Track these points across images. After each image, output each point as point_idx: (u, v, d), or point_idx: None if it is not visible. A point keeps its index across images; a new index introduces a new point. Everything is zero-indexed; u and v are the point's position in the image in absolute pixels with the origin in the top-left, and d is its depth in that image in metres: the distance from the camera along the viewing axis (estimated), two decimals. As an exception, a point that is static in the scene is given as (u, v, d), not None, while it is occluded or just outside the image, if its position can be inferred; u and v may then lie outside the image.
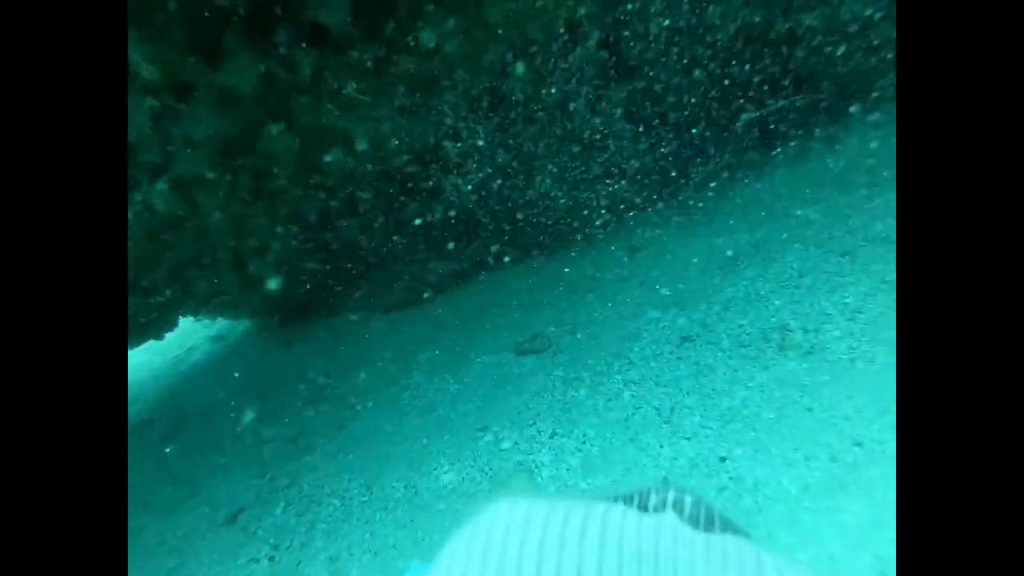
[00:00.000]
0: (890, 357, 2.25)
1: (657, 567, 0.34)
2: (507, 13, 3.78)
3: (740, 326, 3.02)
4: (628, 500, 0.40)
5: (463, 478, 2.53)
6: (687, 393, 2.58)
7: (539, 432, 2.64)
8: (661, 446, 2.30)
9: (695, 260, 3.98)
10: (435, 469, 2.68)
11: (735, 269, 3.64)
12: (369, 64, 3.50)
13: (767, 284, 3.31)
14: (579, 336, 3.55)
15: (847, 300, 2.79)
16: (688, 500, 0.40)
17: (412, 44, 3.57)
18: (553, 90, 4.21)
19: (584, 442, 2.47)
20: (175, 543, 2.87)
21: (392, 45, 3.51)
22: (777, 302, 3.09)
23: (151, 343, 5.02)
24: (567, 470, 2.33)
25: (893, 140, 4.19)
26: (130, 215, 3.32)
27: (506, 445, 2.63)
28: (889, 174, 3.82)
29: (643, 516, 0.37)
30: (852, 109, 4.49)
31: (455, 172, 4.45)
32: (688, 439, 2.29)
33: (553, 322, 3.84)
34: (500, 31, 3.80)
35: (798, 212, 3.90)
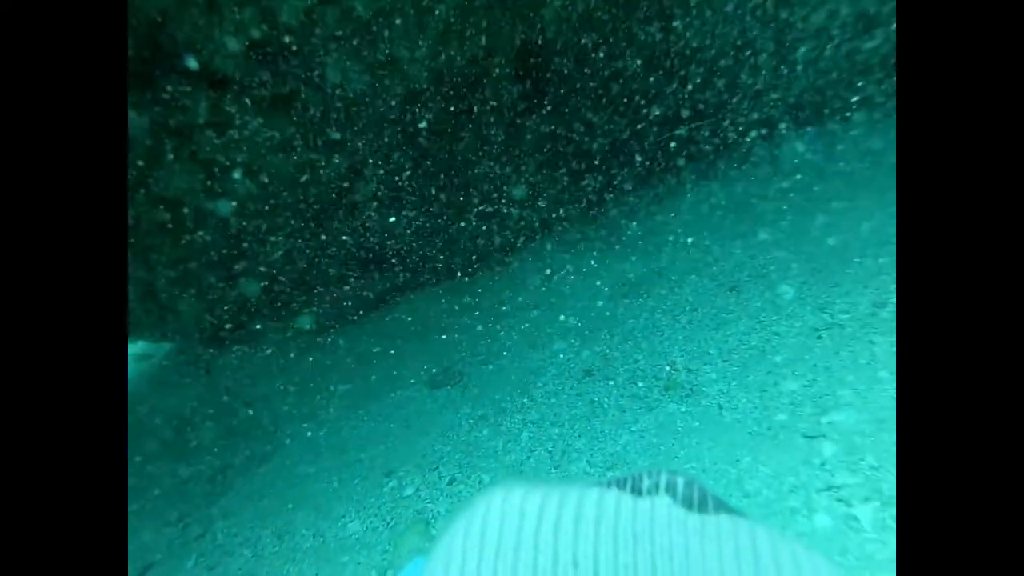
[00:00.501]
0: (753, 403, 2.50)
1: (653, 549, 0.35)
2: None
3: (636, 361, 3.23)
4: (621, 484, 0.41)
5: (366, 528, 2.64)
6: (579, 435, 2.77)
7: (440, 478, 2.78)
8: (549, 493, 2.48)
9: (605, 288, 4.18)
10: (343, 517, 2.77)
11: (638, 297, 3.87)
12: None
13: (664, 316, 3.55)
14: (490, 368, 3.70)
15: (726, 339, 3.04)
16: (680, 482, 0.41)
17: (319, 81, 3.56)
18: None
19: (479, 488, 2.62)
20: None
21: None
22: (672, 335, 3.32)
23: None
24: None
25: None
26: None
27: (408, 492, 2.75)
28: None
29: (637, 499, 0.38)
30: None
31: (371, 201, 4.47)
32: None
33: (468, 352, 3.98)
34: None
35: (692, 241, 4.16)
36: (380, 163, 4.32)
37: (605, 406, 2.95)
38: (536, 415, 3.07)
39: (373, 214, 4.52)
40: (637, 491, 0.39)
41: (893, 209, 3.45)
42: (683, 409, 2.66)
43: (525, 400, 3.23)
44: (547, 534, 0.35)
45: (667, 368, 2.98)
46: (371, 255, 4.61)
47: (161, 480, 3.72)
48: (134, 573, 2.92)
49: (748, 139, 5.01)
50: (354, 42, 3.43)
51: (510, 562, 0.34)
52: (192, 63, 2.73)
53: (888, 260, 3.01)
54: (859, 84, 4.45)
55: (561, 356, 3.58)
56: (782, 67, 4.72)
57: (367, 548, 2.53)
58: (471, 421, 3.17)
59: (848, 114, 4.66)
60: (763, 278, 3.43)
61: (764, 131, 4.97)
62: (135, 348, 6.25)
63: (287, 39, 2.99)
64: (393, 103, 4.04)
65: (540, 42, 4.32)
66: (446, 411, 3.35)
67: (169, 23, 2.48)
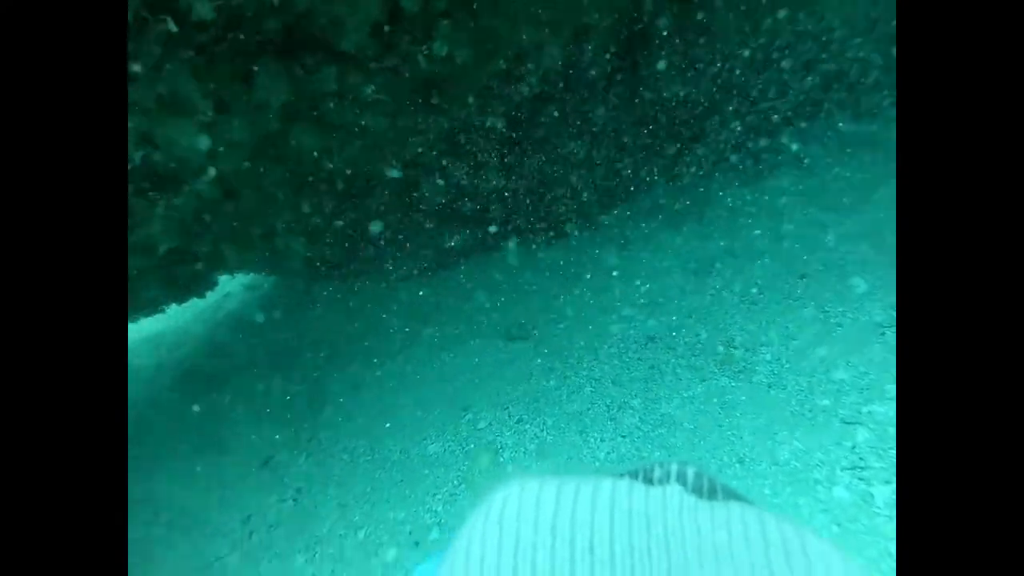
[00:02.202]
0: (801, 384, 2.70)
1: (666, 532, 0.36)
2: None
3: (697, 335, 3.46)
4: (634, 475, 0.42)
5: (444, 449, 3.13)
6: (635, 396, 3.09)
7: (509, 416, 3.20)
8: (602, 440, 2.84)
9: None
10: (424, 439, 3.28)
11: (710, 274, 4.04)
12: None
13: (731, 296, 3.72)
14: (561, 327, 4.04)
15: (788, 325, 3.20)
16: (691, 471, 0.42)
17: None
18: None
19: (543, 430, 3.02)
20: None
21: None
22: (736, 315, 3.51)
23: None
24: (524, 453, 2.89)
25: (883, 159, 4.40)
26: (179, 200, 3.85)
27: (482, 425, 3.20)
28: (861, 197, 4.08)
29: (649, 488, 0.39)
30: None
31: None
32: (624, 437, 2.81)
33: (543, 310, 4.33)
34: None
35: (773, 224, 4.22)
36: (476, 129, 4.65)
37: (663, 371, 3.23)
38: (599, 372, 3.40)
39: (465, 177, 4.90)
40: (649, 480, 0.41)
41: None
42: (734, 384, 2.90)
43: (590, 358, 3.56)
44: (564, 522, 0.37)
45: (722, 347, 3.20)
46: (463, 213, 5.02)
47: (271, 393, 4.42)
48: (258, 462, 3.61)
49: (841, 128, 4.89)
50: (459, 17, 3.72)
51: (529, 550, 0.35)
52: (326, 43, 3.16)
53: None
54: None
55: (629, 322, 3.85)
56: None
57: (444, 466, 3.01)
58: (540, 372, 3.55)
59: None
60: (837, 268, 3.51)
61: (861, 122, 4.83)
62: (246, 279, 7.12)
63: (403, 21, 3.32)
64: (495, 77, 4.33)
65: (640, 23, 4.41)
66: (518, 361, 3.75)
67: (314, 15, 2.90)
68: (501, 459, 2.90)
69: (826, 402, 2.51)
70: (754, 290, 3.67)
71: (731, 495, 0.40)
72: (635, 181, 5.11)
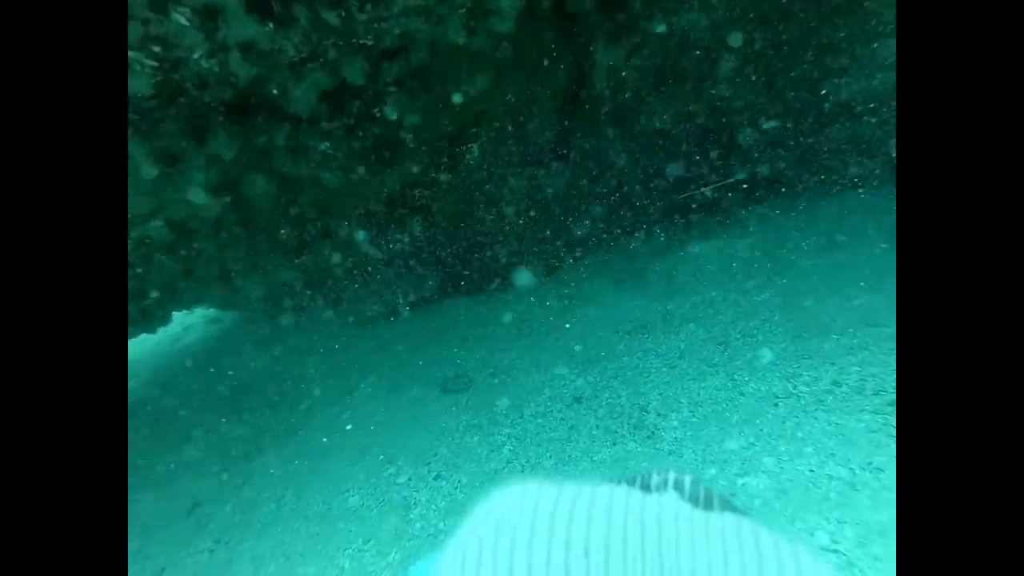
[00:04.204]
0: (696, 452, 2.84)
1: (660, 540, 0.36)
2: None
3: (618, 397, 3.61)
4: (631, 482, 0.42)
5: (362, 503, 3.20)
6: (549, 456, 3.20)
7: (429, 472, 3.30)
8: (511, 501, 2.95)
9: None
10: (346, 491, 3.35)
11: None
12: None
13: (656, 359, 3.89)
14: (496, 381, 4.17)
15: (700, 391, 3.36)
16: (688, 480, 0.42)
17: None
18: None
19: (456, 488, 3.12)
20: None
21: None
22: (657, 379, 3.67)
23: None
24: (434, 510, 2.98)
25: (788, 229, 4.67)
26: (131, 244, 3.97)
27: (401, 480, 3.29)
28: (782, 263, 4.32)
29: (646, 495, 0.39)
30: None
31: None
32: (530, 499, 2.92)
33: (483, 364, 4.46)
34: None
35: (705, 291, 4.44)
36: (427, 184, 4.87)
37: (580, 433, 3.35)
38: (521, 431, 3.52)
39: (418, 229, 5.09)
40: (646, 488, 0.41)
41: (883, 292, 3.62)
42: (639, 449, 3.04)
43: (516, 416, 3.68)
44: (561, 526, 0.37)
45: (637, 411, 3.35)
46: (411, 263, 5.19)
47: (210, 434, 4.46)
48: (184, 509, 3.64)
49: (785, 195, 5.18)
50: (411, 86, 3.96)
51: (525, 551, 0.35)
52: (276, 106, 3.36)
53: (860, 341, 3.22)
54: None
55: (559, 381, 4.00)
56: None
57: (359, 520, 3.08)
58: (466, 428, 3.66)
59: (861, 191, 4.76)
60: (751, 337, 3.70)
61: (787, 188, 5.12)
62: (208, 313, 7.17)
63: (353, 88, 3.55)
64: (443, 137, 4.57)
65: (585, 91, 4.70)
66: (448, 415, 3.86)
67: (265, 82, 3.11)
68: (410, 516, 2.98)
69: (712, 471, 2.65)
70: (676, 355, 3.84)
71: (727, 506, 0.41)
72: (584, 241, 5.34)
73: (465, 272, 5.27)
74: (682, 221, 5.20)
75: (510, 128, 4.65)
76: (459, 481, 3.17)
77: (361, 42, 3.08)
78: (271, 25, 2.59)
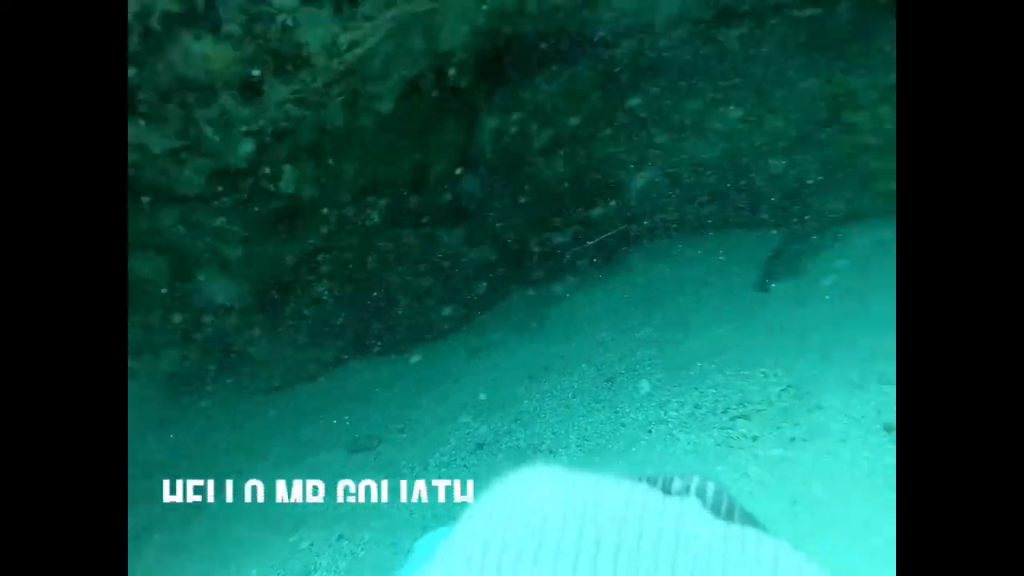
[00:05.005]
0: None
1: (676, 549, 0.35)
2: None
3: (517, 440, 3.82)
4: (652, 482, 0.41)
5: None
6: (448, 508, 3.35)
7: (332, 533, 3.35)
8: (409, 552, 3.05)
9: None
10: (249, 568, 3.33)
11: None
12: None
13: (553, 400, 4.15)
14: (404, 436, 4.29)
15: (587, 427, 3.64)
16: (711, 488, 0.41)
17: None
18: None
19: (359, 546, 3.19)
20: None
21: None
22: (551, 419, 3.92)
23: None
24: (335, 572, 3.04)
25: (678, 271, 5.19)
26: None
27: (304, 546, 3.32)
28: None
29: (666, 498, 0.38)
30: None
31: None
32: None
33: (392, 419, 4.57)
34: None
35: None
36: (329, 250, 5.04)
37: (480, 480, 3.52)
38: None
39: (326, 293, 5.22)
40: (667, 491, 0.40)
41: (736, 321, 4.09)
42: (531, 486, 3.24)
43: (421, 468, 3.81)
44: (574, 512, 0.36)
45: (531, 451, 3.58)
46: (318, 329, 5.28)
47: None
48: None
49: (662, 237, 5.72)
50: (303, 162, 4.19)
51: (536, 533, 0.35)
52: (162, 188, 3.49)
53: (718, 365, 3.63)
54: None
55: (464, 429, 4.17)
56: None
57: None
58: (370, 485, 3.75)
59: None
60: (633, 372, 4.06)
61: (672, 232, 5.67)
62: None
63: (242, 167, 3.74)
64: (343, 204, 4.80)
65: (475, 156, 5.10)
66: (356, 474, 3.93)
67: (143, 167, 3.24)
68: (312, 581, 3.03)
69: (592, 501, 2.89)
70: (571, 394, 4.13)
71: (748, 520, 0.40)
72: (486, 295, 5.62)
73: (373, 332, 5.40)
74: (574, 269, 5.62)
75: (406, 193, 4.95)
76: (362, 539, 3.24)
77: (245, 130, 3.30)
78: (142, 123, 2.75)
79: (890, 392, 2.81)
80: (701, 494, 0.41)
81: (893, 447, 2.49)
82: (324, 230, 4.85)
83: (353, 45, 2.45)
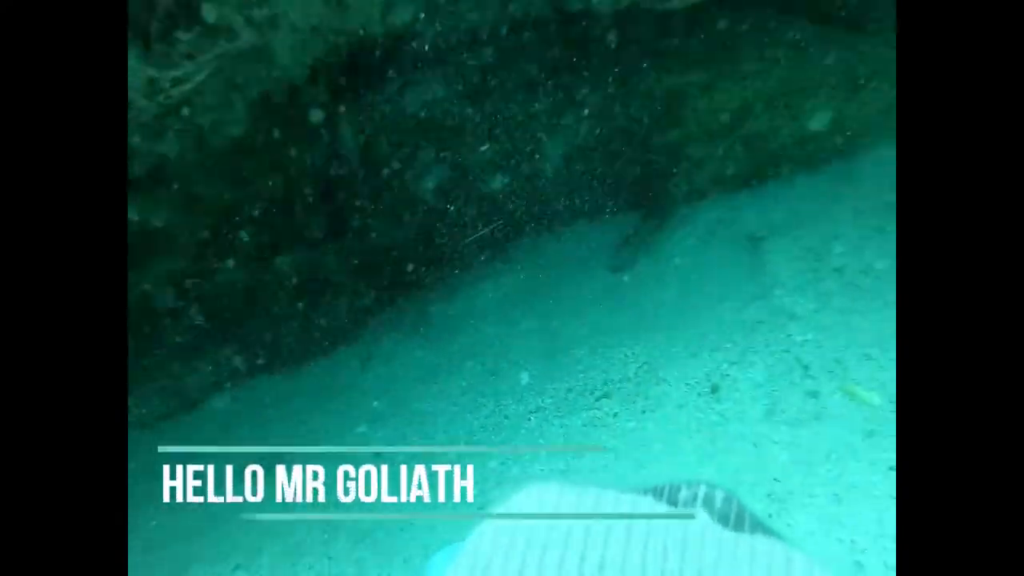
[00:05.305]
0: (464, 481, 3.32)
1: (683, 563, 0.34)
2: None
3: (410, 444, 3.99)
4: (658, 494, 0.41)
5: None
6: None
7: (226, 563, 3.36)
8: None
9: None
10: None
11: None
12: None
13: (442, 401, 4.35)
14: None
15: (474, 422, 3.88)
16: (720, 496, 0.40)
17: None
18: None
19: (258, 572, 3.24)
20: None
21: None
22: (441, 419, 4.12)
23: None
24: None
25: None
26: None
27: (201, 583, 3.31)
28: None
29: (672, 509, 0.38)
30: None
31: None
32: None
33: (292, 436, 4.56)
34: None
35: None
36: (209, 274, 4.87)
37: (387, 490, 3.66)
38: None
39: (199, 318, 5.04)
40: (673, 501, 0.40)
41: (606, 304, 4.50)
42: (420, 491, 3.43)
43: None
44: (578, 534, 0.36)
45: (424, 456, 3.76)
46: (191, 355, 5.10)
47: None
48: None
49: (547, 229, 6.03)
50: (148, 188, 4.03)
51: (538, 556, 0.35)
52: None
53: (588, 348, 3.99)
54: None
55: (361, 440, 4.26)
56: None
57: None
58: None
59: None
60: (515, 364, 4.34)
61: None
62: None
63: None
64: (206, 227, 4.64)
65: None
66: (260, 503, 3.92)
67: None
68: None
69: (477, 489, 3.14)
70: (459, 392, 4.34)
71: (758, 527, 0.39)
72: (372, 304, 5.68)
73: (257, 352, 5.30)
74: (455, 270, 5.81)
75: (275, 211, 4.87)
76: (259, 566, 3.28)
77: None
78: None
79: (720, 358, 3.27)
80: (709, 503, 0.40)
81: (718, 406, 2.93)
82: (187, 256, 4.67)
83: (178, 82, 2.41)
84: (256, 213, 4.72)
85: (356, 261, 5.54)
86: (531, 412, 3.66)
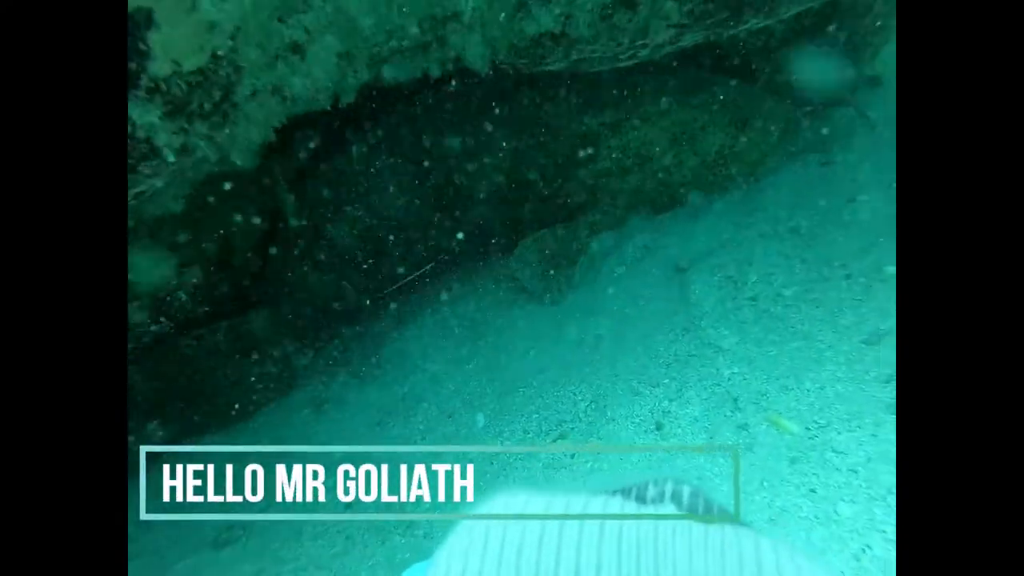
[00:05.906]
0: (440, 528, 3.60)
1: (656, 557, 0.35)
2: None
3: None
4: (626, 493, 0.42)
5: None
6: (329, 571, 3.64)
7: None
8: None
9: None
10: None
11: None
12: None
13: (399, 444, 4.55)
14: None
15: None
16: (686, 490, 0.41)
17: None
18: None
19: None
20: None
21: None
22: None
23: None
24: None
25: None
26: None
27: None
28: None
29: (641, 507, 0.39)
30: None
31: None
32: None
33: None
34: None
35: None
36: (138, 339, 4.74)
37: (355, 542, 3.85)
38: (305, 561, 3.86)
39: (137, 376, 4.91)
40: (642, 499, 0.42)
41: (550, 339, 4.85)
42: (403, 541, 3.68)
43: (296, 547, 4.00)
44: (551, 539, 0.37)
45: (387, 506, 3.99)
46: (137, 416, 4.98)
47: None
48: None
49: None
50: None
51: (512, 565, 0.36)
52: None
53: (536, 388, 4.33)
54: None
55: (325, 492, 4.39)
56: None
57: None
58: (233, 559, 3.86)
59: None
60: (470, 404, 4.61)
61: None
62: None
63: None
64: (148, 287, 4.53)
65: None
66: (228, 572, 3.98)
67: None
68: None
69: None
70: (418, 436, 4.56)
71: (726, 517, 0.40)
72: (316, 348, 5.73)
73: (203, 411, 5.24)
74: (398, 309, 5.95)
75: (213, 269, 4.82)
76: None
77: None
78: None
79: (660, 394, 3.71)
80: (677, 499, 0.42)
81: (664, 443, 3.37)
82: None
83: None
84: (196, 277, 4.65)
85: (292, 307, 5.56)
86: (492, 455, 3.95)
